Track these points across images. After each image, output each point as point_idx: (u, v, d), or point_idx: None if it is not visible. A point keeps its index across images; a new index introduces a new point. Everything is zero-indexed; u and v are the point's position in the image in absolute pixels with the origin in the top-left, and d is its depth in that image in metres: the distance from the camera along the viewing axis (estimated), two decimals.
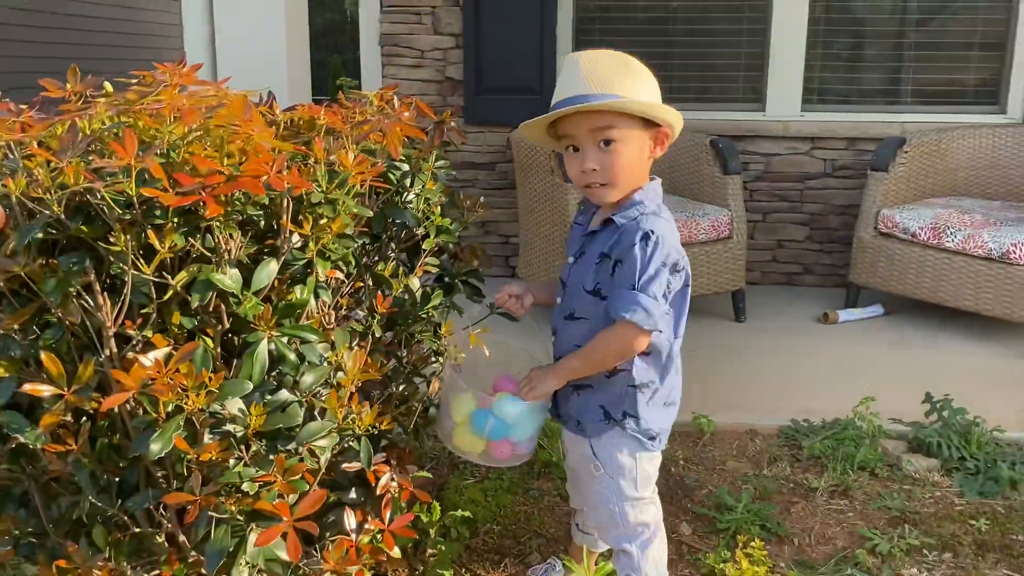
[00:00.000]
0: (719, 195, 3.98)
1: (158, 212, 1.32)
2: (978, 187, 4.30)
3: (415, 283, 1.92)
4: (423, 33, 4.64)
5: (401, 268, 1.89)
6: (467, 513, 2.32)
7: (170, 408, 1.34)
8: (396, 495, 1.71)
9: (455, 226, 1.98)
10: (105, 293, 1.36)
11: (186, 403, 1.31)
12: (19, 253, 1.33)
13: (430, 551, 2.14)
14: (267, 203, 1.40)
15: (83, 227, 1.35)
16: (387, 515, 1.69)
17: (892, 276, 3.96)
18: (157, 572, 1.55)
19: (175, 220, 1.31)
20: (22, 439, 1.38)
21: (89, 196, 1.33)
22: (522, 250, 4.29)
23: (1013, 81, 4.44)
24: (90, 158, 1.39)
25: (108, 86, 1.77)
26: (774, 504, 2.39)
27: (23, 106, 1.62)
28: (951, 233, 3.71)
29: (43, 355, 1.34)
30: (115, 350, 1.38)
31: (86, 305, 1.36)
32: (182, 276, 1.36)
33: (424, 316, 1.95)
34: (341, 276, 1.57)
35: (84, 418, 1.43)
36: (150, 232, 1.29)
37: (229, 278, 1.36)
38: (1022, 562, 2.11)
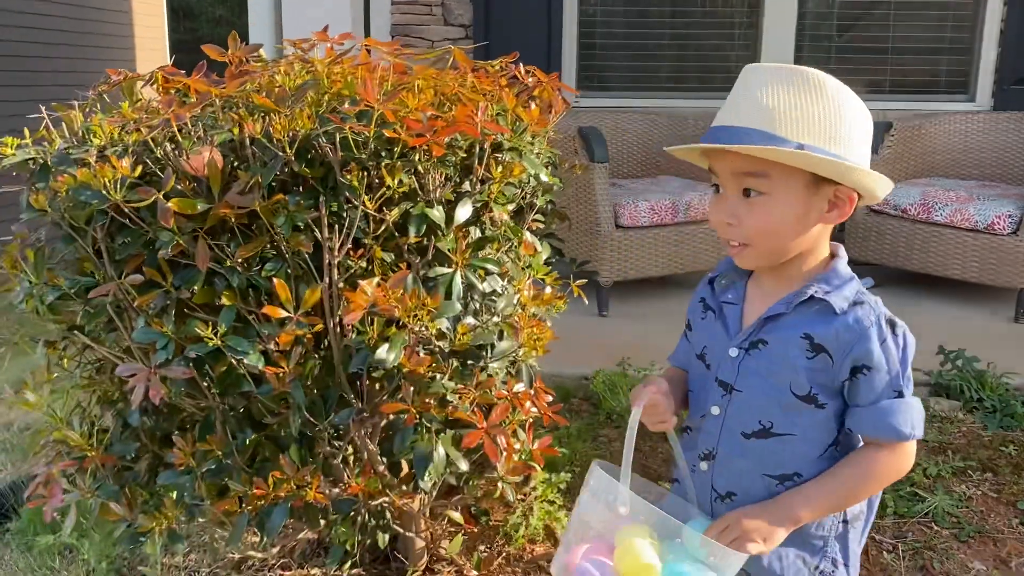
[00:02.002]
0: None
1: (383, 154, 1.50)
2: (953, 169, 4.68)
3: (529, 236, 2.12)
4: (433, 24, 4.82)
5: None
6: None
7: (379, 328, 1.53)
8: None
9: (556, 187, 2.19)
10: (327, 227, 1.53)
11: (410, 321, 1.49)
12: (254, 191, 1.50)
13: (533, 484, 2.35)
14: (466, 148, 1.59)
15: (306, 169, 1.53)
16: (531, 437, 1.89)
17: (883, 250, 4.30)
18: (342, 485, 1.73)
19: (399, 161, 1.49)
20: (246, 361, 1.55)
21: (315, 141, 1.51)
22: None
23: (981, 74, 4.84)
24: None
25: (263, 52, 1.94)
26: None
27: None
28: (939, 208, 4.06)
29: (276, 282, 1.51)
30: (335, 277, 1.55)
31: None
32: (395, 212, 1.54)
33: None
34: (508, 219, 1.76)
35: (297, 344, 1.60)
36: (383, 170, 1.47)
37: (438, 212, 1.55)
38: None
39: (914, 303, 4.13)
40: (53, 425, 1.74)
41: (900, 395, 1.19)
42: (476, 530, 2.31)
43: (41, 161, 1.62)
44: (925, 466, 2.46)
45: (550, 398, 1.99)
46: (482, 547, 2.26)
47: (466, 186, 1.61)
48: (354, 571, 2.25)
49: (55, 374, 1.77)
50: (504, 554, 2.24)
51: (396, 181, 1.47)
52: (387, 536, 1.98)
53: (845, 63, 4.99)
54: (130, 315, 1.64)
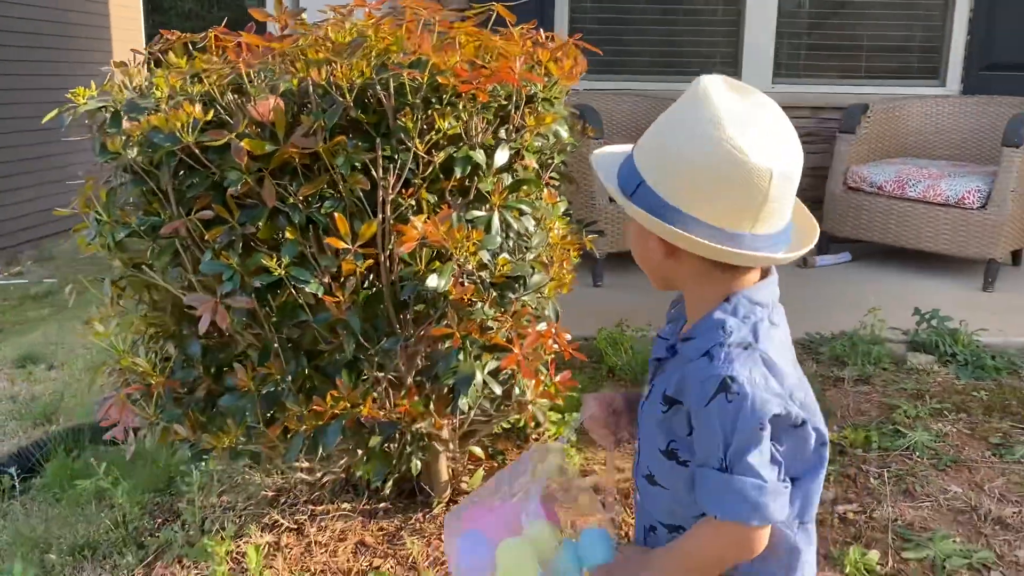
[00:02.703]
0: None
1: (433, 100, 1.67)
2: (924, 149, 4.92)
3: (544, 191, 2.29)
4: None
5: None
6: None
7: (426, 261, 1.70)
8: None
9: (571, 148, 2.36)
10: (381, 168, 1.70)
11: (457, 252, 1.66)
12: (317, 134, 1.66)
13: (544, 427, 2.53)
14: (505, 97, 1.76)
15: (362, 115, 1.69)
16: (553, 371, 2.07)
17: (860, 224, 4.53)
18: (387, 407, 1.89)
19: (447, 107, 1.66)
20: (308, 289, 1.71)
21: (372, 88, 1.67)
22: None
23: (951, 60, 5.09)
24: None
25: (304, 16, 2.10)
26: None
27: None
28: (913, 184, 4.29)
29: (336, 216, 1.67)
30: (388, 214, 1.72)
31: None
32: (441, 155, 1.71)
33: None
34: (536, 166, 1.94)
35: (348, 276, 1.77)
36: (435, 114, 1.64)
37: (480, 155, 1.72)
38: (1019, 417, 2.64)
39: (889, 274, 4.37)
40: (116, 356, 1.89)
41: (723, 470, 1.02)
42: (495, 465, 2.48)
43: (113, 109, 1.77)
44: (905, 408, 2.67)
45: (568, 336, 2.18)
46: None
47: (502, 133, 1.78)
48: (381, 505, 2.42)
49: (119, 309, 1.91)
50: None
51: (446, 124, 1.64)
52: (418, 464, 2.15)
53: (823, 50, 5.21)
54: (193, 251, 1.80)
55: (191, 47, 1.99)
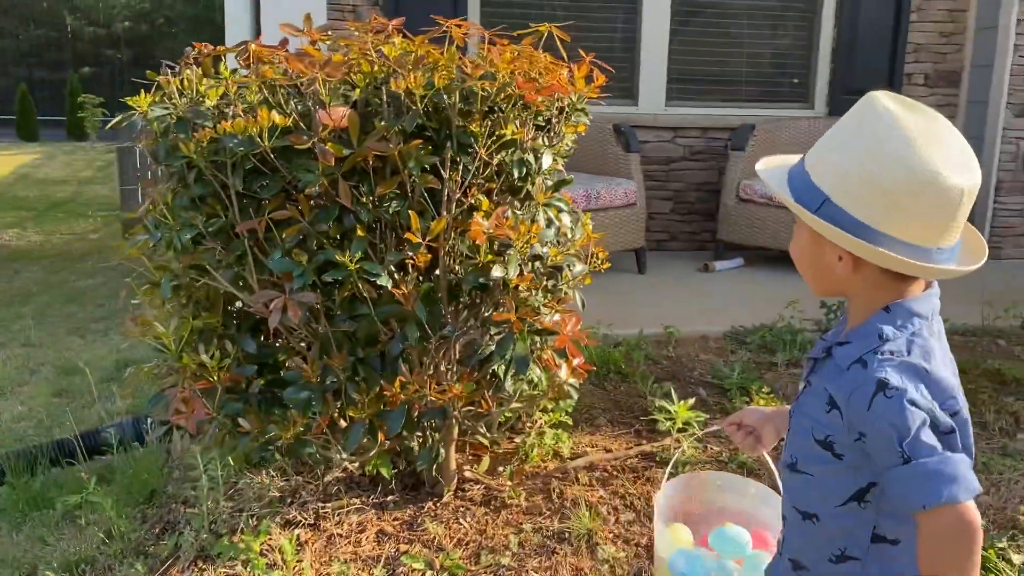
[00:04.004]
0: (623, 170, 4.82)
1: (495, 108, 1.85)
2: None
3: None
4: None
5: None
6: None
7: (484, 256, 1.88)
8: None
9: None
10: (449, 169, 1.86)
11: (520, 243, 1.85)
12: (390, 139, 1.81)
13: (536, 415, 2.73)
14: (548, 108, 1.97)
15: (431, 122, 1.85)
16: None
17: (752, 233, 5.00)
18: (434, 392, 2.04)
19: (511, 114, 1.86)
20: (378, 282, 1.85)
21: (440, 97, 1.84)
22: None
23: (818, 86, 5.71)
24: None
25: (330, 32, 2.24)
26: (752, 375, 3.21)
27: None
28: None
29: (411, 213, 1.82)
30: (453, 211, 1.88)
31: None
32: (500, 157, 1.90)
33: None
34: (561, 168, 2.15)
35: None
36: (503, 120, 1.83)
37: (532, 159, 1.92)
38: None
39: (778, 274, 4.86)
40: (172, 355, 1.94)
41: (907, 461, 1.05)
42: (497, 454, 2.66)
43: (176, 116, 1.85)
44: None
45: (580, 325, 2.40)
46: (500, 468, 2.61)
47: (543, 139, 1.99)
48: (389, 498, 2.54)
49: (172, 309, 1.97)
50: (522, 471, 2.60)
51: (510, 131, 1.83)
52: (442, 453, 2.29)
53: (710, 77, 5.70)
54: (254, 252, 1.89)
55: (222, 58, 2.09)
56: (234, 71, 2.08)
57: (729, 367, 3.23)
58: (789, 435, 1.26)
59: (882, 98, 1.10)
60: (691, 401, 2.75)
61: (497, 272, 1.85)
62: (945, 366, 1.13)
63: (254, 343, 1.96)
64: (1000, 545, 2.11)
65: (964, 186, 1.05)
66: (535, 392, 2.17)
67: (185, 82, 1.93)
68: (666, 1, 5.42)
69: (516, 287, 1.90)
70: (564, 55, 1.99)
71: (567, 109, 2.02)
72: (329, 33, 2.18)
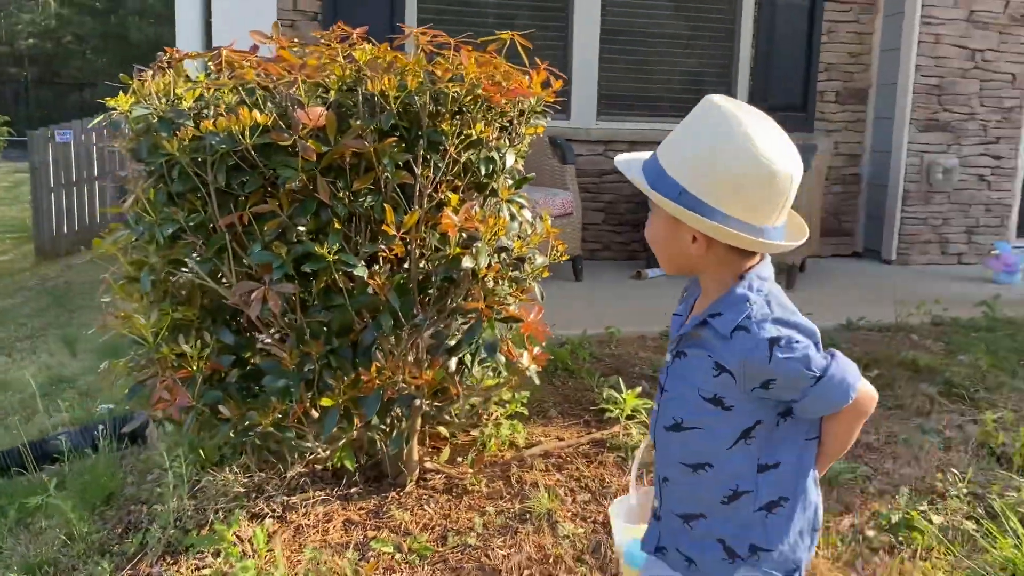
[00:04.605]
0: (560, 181, 5.00)
1: (464, 109, 1.99)
2: None
3: None
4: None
5: None
6: None
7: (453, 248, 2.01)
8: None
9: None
10: (421, 166, 1.98)
11: (488, 235, 1.98)
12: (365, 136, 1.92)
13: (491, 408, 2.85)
14: (511, 110, 2.11)
15: (403, 122, 1.98)
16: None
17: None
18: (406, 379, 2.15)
19: (478, 115, 1.99)
20: (355, 272, 1.95)
21: (408, 100, 1.96)
22: None
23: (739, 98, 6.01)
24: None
25: (297, 40, 2.35)
26: None
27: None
28: None
29: (386, 207, 1.94)
30: (425, 206, 2.00)
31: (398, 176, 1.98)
32: (467, 155, 2.03)
33: None
34: (520, 167, 2.29)
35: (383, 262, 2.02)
36: (471, 120, 1.96)
37: (497, 157, 2.06)
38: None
39: None
40: (151, 347, 2.00)
41: (818, 379, 1.25)
42: (457, 444, 2.77)
43: (158, 116, 1.93)
44: None
45: (540, 316, 2.53)
46: (459, 458, 2.72)
47: (504, 140, 2.13)
48: (353, 490, 2.62)
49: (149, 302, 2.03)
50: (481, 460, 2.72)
51: (478, 130, 1.97)
52: (407, 442, 2.39)
53: (636, 93, 5.95)
54: (232, 247, 1.98)
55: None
56: (207, 75, 2.17)
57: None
58: (665, 401, 1.40)
59: (721, 100, 1.28)
60: (637, 390, 2.92)
61: (467, 263, 1.97)
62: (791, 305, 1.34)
63: (231, 334, 2.04)
64: (922, 508, 2.32)
65: (792, 173, 1.24)
66: (499, 379, 2.29)
67: (160, 84, 2.00)
68: (596, 19, 5.66)
69: (484, 277, 2.03)
70: (526, 63, 2.14)
71: (527, 112, 2.17)
72: (295, 40, 2.29)
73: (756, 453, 1.32)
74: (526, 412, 2.85)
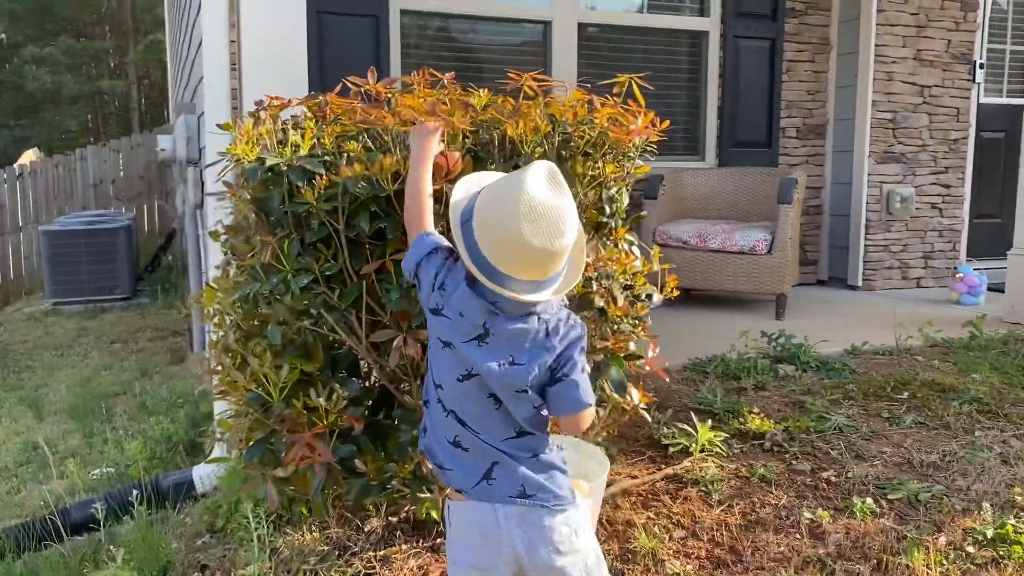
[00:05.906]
0: None
1: (591, 151, 2.00)
2: (700, 211, 5.93)
3: None
4: None
5: None
6: None
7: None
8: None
9: None
10: None
11: (619, 272, 1.99)
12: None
13: None
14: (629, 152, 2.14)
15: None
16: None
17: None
18: None
19: (607, 156, 2.01)
20: None
21: (539, 143, 1.96)
22: None
23: (708, 140, 6.23)
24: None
25: (397, 84, 2.34)
26: (731, 399, 3.46)
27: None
28: (712, 238, 5.20)
29: None
30: None
31: None
32: (591, 194, 2.04)
33: None
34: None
35: None
36: (598, 161, 1.97)
37: (617, 196, 2.07)
38: (887, 399, 3.43)
39: (697, 311, 5.22)
40: (276, 402, 1.92)
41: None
42: None
43: (286, 164, 1.88)
44: (808, 401, 3.36)
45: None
46: None
47: (621, 179, 2.16)
48: (439, 540, 2.55)
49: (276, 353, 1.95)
50: None
51: (610, 170, 1.99)
52: None
53: None
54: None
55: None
56: (294, 123, 2.13)
57: (711, 393, 3.47)
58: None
59: (534, 173, 1.46)
60: (708, 423, 2.95)
61: (599, 302, 1.98)
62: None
63: (357, 385, 1.98)
64: (1011, 522, 2.42)
65: (538, 247, 1.43)
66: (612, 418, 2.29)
67: (266, 132, 1.96)
68: (573, 66, 5.77)
69: (614, 315, 2.03)
70: (642, 103, 2.18)
71: (633, 152, 2.20)
72: (396, 86, 2.27)
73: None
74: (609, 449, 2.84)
